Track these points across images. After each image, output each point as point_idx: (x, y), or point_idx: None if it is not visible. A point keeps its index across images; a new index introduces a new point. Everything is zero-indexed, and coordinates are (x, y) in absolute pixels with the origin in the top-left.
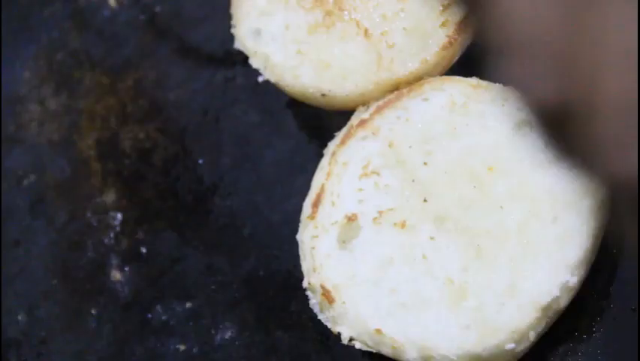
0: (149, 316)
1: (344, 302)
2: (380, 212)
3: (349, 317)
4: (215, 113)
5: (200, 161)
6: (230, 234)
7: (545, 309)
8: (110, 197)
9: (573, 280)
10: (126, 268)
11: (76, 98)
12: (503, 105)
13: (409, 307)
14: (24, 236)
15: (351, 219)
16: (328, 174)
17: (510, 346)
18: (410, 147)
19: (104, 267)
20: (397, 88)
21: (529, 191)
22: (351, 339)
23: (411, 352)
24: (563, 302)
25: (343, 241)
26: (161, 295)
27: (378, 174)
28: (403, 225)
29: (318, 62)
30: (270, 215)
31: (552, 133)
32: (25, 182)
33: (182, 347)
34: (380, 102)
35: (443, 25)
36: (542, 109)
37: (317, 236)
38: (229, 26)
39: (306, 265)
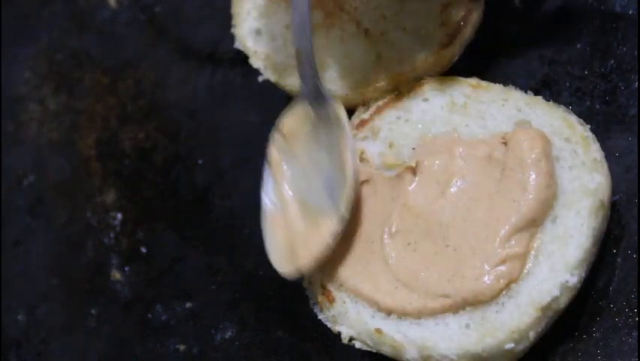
0: (149, 316)
1: (344, 302)
2: None
3: (349, 317)
4: (215, 113)
5: (200, 161)
6: (230, 234)
7: (545, 309)
8: (110, 197)
9: (573, 280)
10: (126, 268)
11: (77, 98)
12: (503, 105)
13: None
14: (24, 236)
15: None
16: None
17: (510, 346)
18: (411, 148)
19: (104, 267)
20: (397, 88)
21: None
22: (351, 339)
23: (411, 352)
24: (563, 302)
25: None
26: (161, 295)
27: None
28: None
29: (318, 62)
30: None
31: None
32: (25, 182)
33: (182, 347)
34: (380, 102)
35: (443, 24)
36: None
37: None
38: (229, 26)
39: None
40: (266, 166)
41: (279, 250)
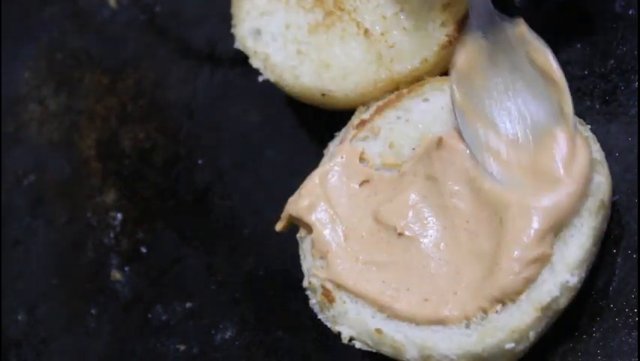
0: (149, 316)
1: (344, 302)
2: None
3: (349, 317)
4: (215, 113)
5: (200, 161)
6: (230, 234)
7: (545, 309)
8: (110, 197)
9: (573, 280)
10: (126, 268)
11: (76, 98)
12: None
13: None
14: (24, 236)
15: None
16: None
17: (510, 345)
18: (411, 148)
19: (104, 267)
20: (397, 88)
21: None
22: (351, 339)
23: (411, 351)
24: (563, 302)
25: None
26: (161, 295)
27: None
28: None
29: (318, 62)
30: (270, 215)
31: None
32: (25, 182)
33: (182, 347)
34: (380, 102)
35: (443, 24)
36: None
37: None
38: (229, 26)
39: (306, 265)
40: (455, 106)
41: (526, 181)
